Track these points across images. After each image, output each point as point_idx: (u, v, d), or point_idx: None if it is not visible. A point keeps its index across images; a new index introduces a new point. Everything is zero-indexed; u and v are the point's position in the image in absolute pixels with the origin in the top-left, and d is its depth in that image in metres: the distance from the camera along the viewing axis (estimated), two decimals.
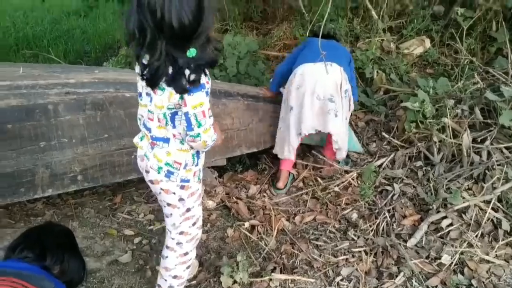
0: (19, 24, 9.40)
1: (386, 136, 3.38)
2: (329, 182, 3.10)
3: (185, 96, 1.52)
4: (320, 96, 2.88)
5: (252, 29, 5.33)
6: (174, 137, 1.69)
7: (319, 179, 3.16)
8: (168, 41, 1.43)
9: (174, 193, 1.79)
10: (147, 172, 1.78)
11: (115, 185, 3.11)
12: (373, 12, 2.70)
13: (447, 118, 3.06)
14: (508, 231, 2.53)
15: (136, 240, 2.68)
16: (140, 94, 1.71)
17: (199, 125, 1.59)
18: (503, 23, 4.08)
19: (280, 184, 3.11)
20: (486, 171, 2.83)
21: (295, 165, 3.28)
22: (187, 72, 1.47)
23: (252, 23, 5.52)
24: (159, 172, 1.74)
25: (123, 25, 1.51)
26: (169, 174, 1.74)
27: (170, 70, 1.47)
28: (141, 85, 1.66)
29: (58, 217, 2.83)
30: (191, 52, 1.45)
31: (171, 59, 1.46)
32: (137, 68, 1.62)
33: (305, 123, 2.90)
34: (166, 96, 1.55)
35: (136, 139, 1.86)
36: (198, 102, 1.54)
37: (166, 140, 1.71)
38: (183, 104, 1.54)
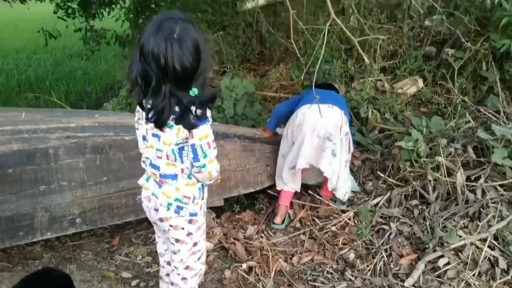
0: (22, 67, 9.62)
1: (382, 175, 3.43)
2: (326, 222, 3.11)
3: (193, 129, 1.63)
4: (320, 134, 2.99)
5: (250, 70, 5.48)
6: (182, 172, 1.77)
7: (316, 219, 3.18)
8: (172, 84, 1.53)
9: (182, 228, 1.85)
10: (156, 210, 1.83)
11: (113, 227, 3.13)
12: (365, 57, 2.80)
13: (441, 156, 3.11)
14: (505, 269, 2.53)
15: (134, 283, 2.67)
16: (144, 138, 1.78)
17: (205, 156, 1.70)
18: (493, 63, 4.22)
19: (278, 219, 3.14)
20: (481, 209, 2.85)
21: (291, 205, 3.31)
22: (193, 109, 1.58)
23: (250, 65, 5.67)
24: (168, 209, 1.80)
25: (126, 74, 1.60)
26: (178, 209, 1.80)
27: (177, 109, 1.58)
28: (145, 128, 1.74)
29: (56, 260, 2.82)
30: (194, 91, 1.58)
31: (175, 99, 1.55)
32: (139, 114, 1.73)
33: (301, 158, 2.98)
34: (174, 133, 1.64)
35: (141, 181, 1.91)
36: (204, 134, 1.66)
37: (175, 177, 1.77)
38: (190, 136, 1.65)
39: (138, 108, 1.74)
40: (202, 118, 1.62)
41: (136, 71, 1.52)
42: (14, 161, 2.34)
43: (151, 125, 1.65)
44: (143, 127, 1.76)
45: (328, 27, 2.78)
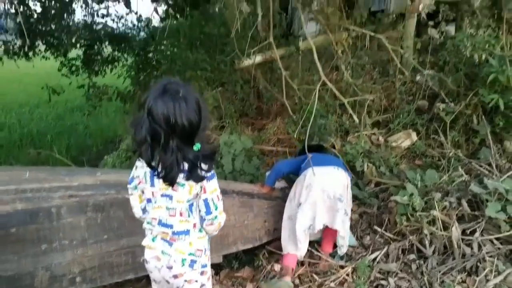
0: (24, 121, 9.78)
1: (379, 229, 3.46)
2: (325, 278, 3.11)
3: (204, 184, 1.77)
4: (330, 195, 3.12)
5: (248, 124, 5.62)
6: (194, 226, 1.86)
7: (314, 275, 3.18)
8: (178, 139, 1.65)
9: (196, 281, 1.92)
10: (170, 268, 1.87)
11: (112, 285, 3.12)
12: (354, 117, 2.94)
13: (436, 210, 3.17)
14: None
15: None
16: (149, 200, 1.86)
17: (216, 208, 1.83)
18: (483, 116, 4.35)
19: (288, 278, 3.13)
20: (478, 263, 2.87)
21: None
22: (199, 163, 1.70)
23: (248, 119, 5.82)
24: (183, 264, 1.86)
25: (132, 135, 1.71)
26: (192, 263, 1.87)
27: (186, 166, 1.69)
28: (151, 191, 1.82)
29: None
30: (197, 146, 1.71)
31: (182, 154, 1.67)
32: (139, 179, 1.83)
33: (318, 219, 3.08)
34: (187, 190, 1.76)
35: (147, 242, 1.94)
36: (214, 187, 1.80)
37: (187, 232, 1.86)
38: (203, 191, 1.78)
39: (137, 173, 1.85)
40: (209, 171, 1.74)
41: (145, 130, 1.62)
42: (17, 221, 2.39)
43: (160, 186, 1.75)
44: (148, 190, 1.83)
45: (319, 87, 2.93)
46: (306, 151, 3.30)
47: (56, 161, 6.17)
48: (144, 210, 1.95)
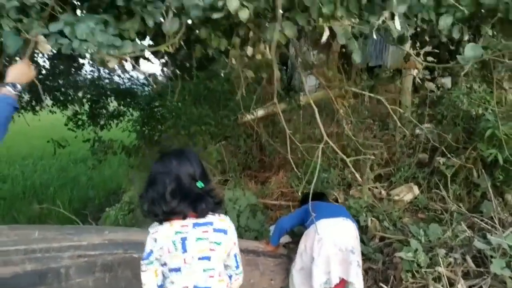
0: (28, 173, 9.83)
1: (385, 286, 3.44)
2: None
3: (232, 236, 1.89)
4: (342, 248, 3.12)
5: (251, 178, 5.68)
6: (227, 286, 1.92)
7: None
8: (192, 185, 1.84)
9: None
10: None
11: None
12: (357, 176, 3.02)
13: (441, 267, 3.17)
14: None
15: None
16: (177, 270, 1.81)
17: (240, 261, 1.95)
18: (483, 170, 4.43)
19: None
20: None
21: None
22: (208, 197, 1.85)
23: (251, 172, 5.89)
24: None
25: (148, 202, 1.83)
26: None
27: (204, 205, 1.82)
28: (183, 258, 1.80)
29: None
30: (200, 183, 1.86)
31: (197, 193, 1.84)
32: (168, 246, 1.80)
33: (333, 273, 3.07)
34: (223, 247, 1.85)
35: None
36: (236, 239, 1.93)
37: None
38: (233, 244, 1.90)
39: (158, 245, 1.80)
40: (220, 204, 1.90)
41: (164, 190, 1.79)
42: (26, 282, 2.42)
43: (196, 249, 1.79)
44: (179, 258, 1.79)
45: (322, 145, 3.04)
46: (310, 201, 3.31)
47: (59, 214, 6.18)
48: (161, 287, 1.87)
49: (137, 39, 2.17)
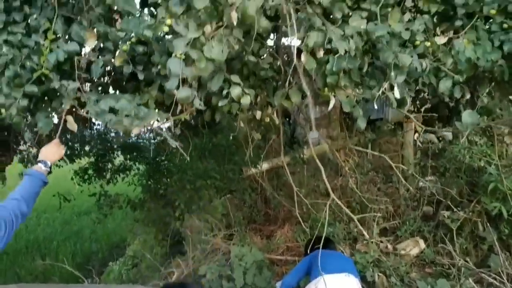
0: (31, 226, 9.80)
1: None
2: None
3: None
4: None
5: (256, 231, 5.67)
6: None
7: None
8: None
9: None
10: None
11: None
12: (365, 233, 3.07)
13: None
14: None
15: None
16: None
17: None
18: (488, 224, 4.44)
19: None
20: None
21: None
22: None
23: (256, 225, 5.89)
24: None
25: None
26: None
27: None
28: None
29: None
30: None
31: None
32: None
33: None
34: None
35: None
36: None
37: None
38: None
39: None
40: None
41: None
42: None
43: None
44: None
45: (330, 202, 3.10)
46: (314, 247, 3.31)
47: (62, 269, 6.14)
48: None
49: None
